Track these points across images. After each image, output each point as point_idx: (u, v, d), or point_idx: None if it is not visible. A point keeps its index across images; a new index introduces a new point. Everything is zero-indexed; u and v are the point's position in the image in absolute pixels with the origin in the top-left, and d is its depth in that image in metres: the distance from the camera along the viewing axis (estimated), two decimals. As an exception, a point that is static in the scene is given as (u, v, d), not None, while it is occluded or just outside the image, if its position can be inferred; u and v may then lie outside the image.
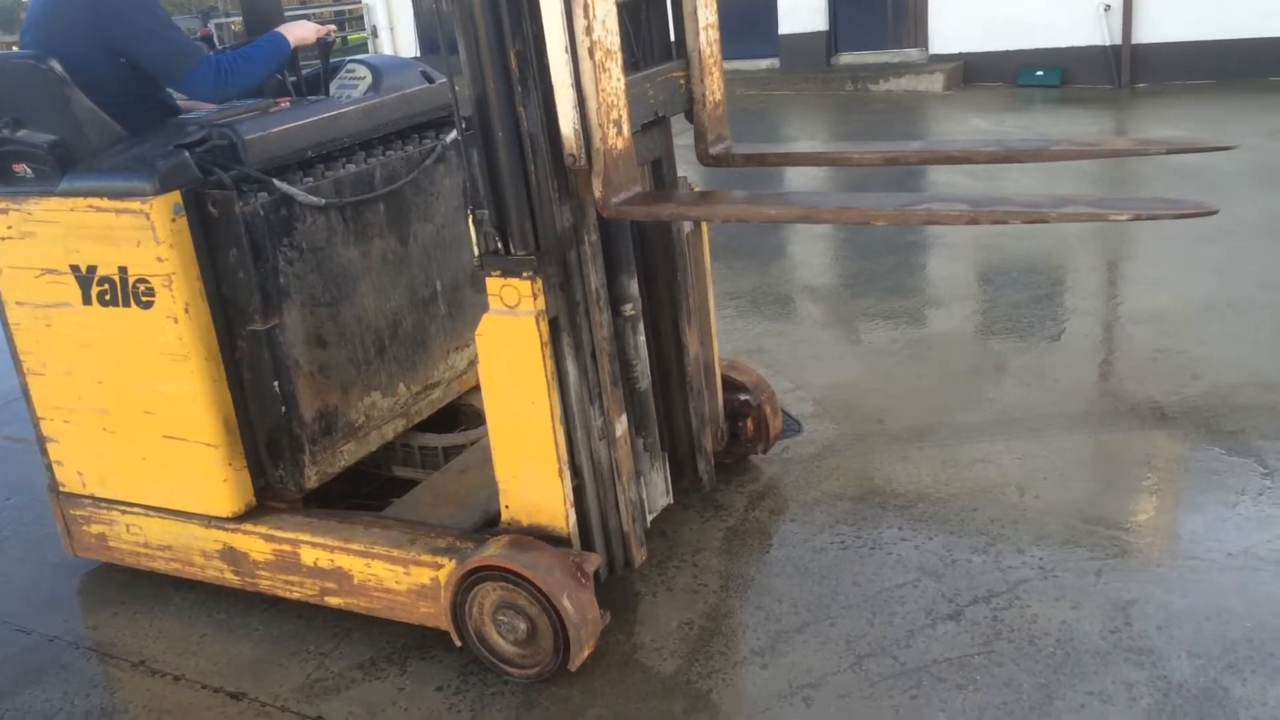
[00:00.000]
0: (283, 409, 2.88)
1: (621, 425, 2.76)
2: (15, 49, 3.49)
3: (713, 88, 2.91)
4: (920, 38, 11.58)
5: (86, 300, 2.87)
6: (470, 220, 2.58)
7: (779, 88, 11.81)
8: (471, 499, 3.06)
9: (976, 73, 11.07)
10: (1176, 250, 5.40)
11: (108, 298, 2.84)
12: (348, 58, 3.46)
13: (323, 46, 3.34)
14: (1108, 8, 10.29)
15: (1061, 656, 2.57)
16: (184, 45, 2.99)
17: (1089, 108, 9.52)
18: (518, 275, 2.52)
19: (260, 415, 2.91)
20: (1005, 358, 4.28)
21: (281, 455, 2.94)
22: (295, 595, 2.94)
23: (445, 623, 2.68)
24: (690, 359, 3.10)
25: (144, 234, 2.71)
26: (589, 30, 2.38)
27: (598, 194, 2.49)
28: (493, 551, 2.59)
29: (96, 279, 2.83)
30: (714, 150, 2.96)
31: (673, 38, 2.89)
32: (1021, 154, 2.78)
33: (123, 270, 2.79)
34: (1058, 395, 3.93)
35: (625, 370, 2.84)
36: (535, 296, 2.53)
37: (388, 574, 2.76)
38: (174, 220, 2.70)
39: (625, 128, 2.53)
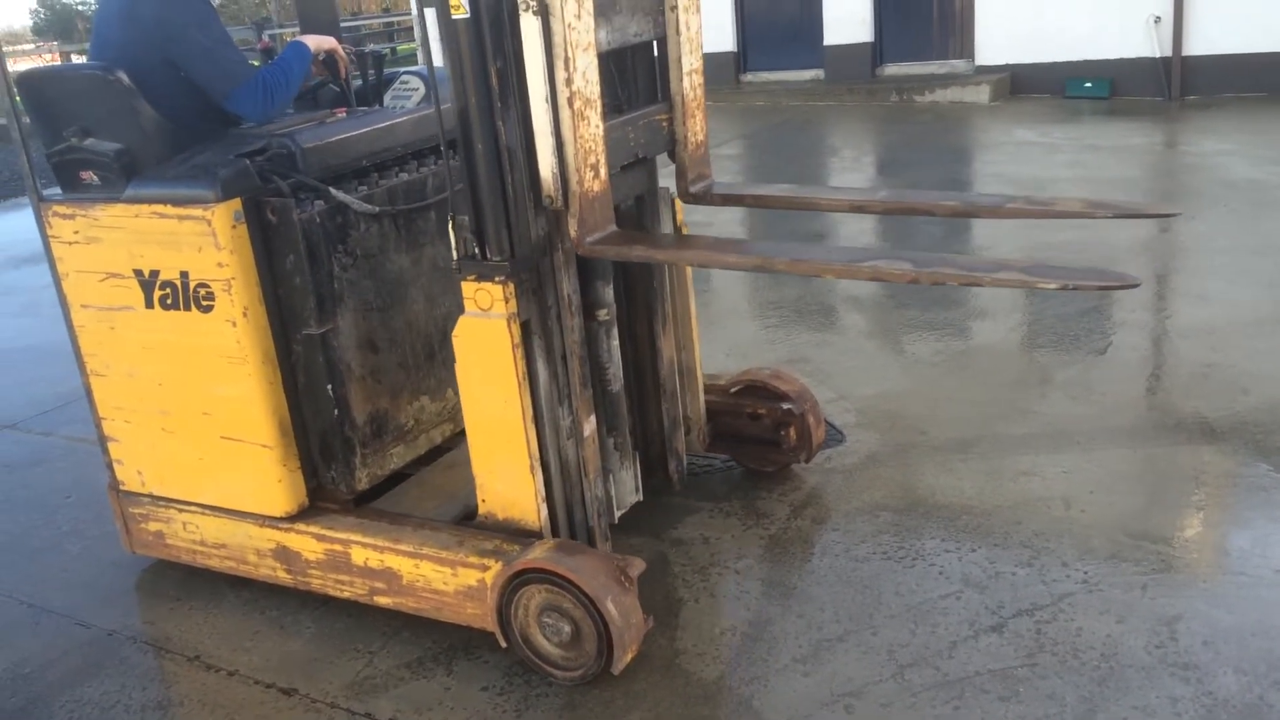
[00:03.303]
0: (335, 412, 2.95)
1: (590, 425, 2.86)
2: (72, 59, 3.59)
3: (695, 129, 3.03)
4: (966, 49, 11.54)
5: (149, 304, 2.95)
6: (450, 226, 2.68)
7: (824, 99, 11.82)
8: (456, 493, 3.13)
9: (1023, 84, 11.01)
10: (1226, 264, 5.35)
11: (169, 301, 2.92)
12: (401, 69, 3.53)
13: (375, 58, 3.43)
14: (1158, 19, 10.19)
15: (1106, 670, 2.56)
16: (234, 65, 3.02)
17: (1138, 120, 9.43)
18: (491, 280, 2.63)
19: (314, 418, 2.98)
20: (1051, 370, 4.26)
21: (334, 457, 3.01)
22: (345, 594, 3.00)
23: (491, 624, 2.73)
24: (664, 363, 3.21)
25: (205, 240, 2.79)
26: (569, 81, 2.50)
27: (573, 234, 2.62)
28: (539, 554, 2.63)
29: (159, 283, 2.92)
30: (694, 189, 3.08)
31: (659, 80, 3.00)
32: (981, 209, 2.94)
33: (184, 275, 2.87)
34: (1104, 409, 3.91)
35: (598, 372, 2.94)
36: (507, 300, 2.63)
37: (436, 575, 2.81)
38: (234, 227, 2.78)
39: (603, 171, 2.65)
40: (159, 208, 2.84)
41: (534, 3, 2.45)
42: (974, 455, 3.65)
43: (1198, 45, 10.11)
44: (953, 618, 2.81)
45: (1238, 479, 3.38)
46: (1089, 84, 10.52)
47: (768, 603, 2.96)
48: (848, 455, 3.73)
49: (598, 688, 2.67)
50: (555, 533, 2.84)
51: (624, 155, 2.84)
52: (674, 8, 2.89)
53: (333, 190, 2.87)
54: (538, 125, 2.52)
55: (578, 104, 2.53)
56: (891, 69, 12.02)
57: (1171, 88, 10.21)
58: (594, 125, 2.59)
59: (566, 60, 2.48)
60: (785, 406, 3.47)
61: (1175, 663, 2.57)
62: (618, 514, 3.12)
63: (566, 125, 2.53)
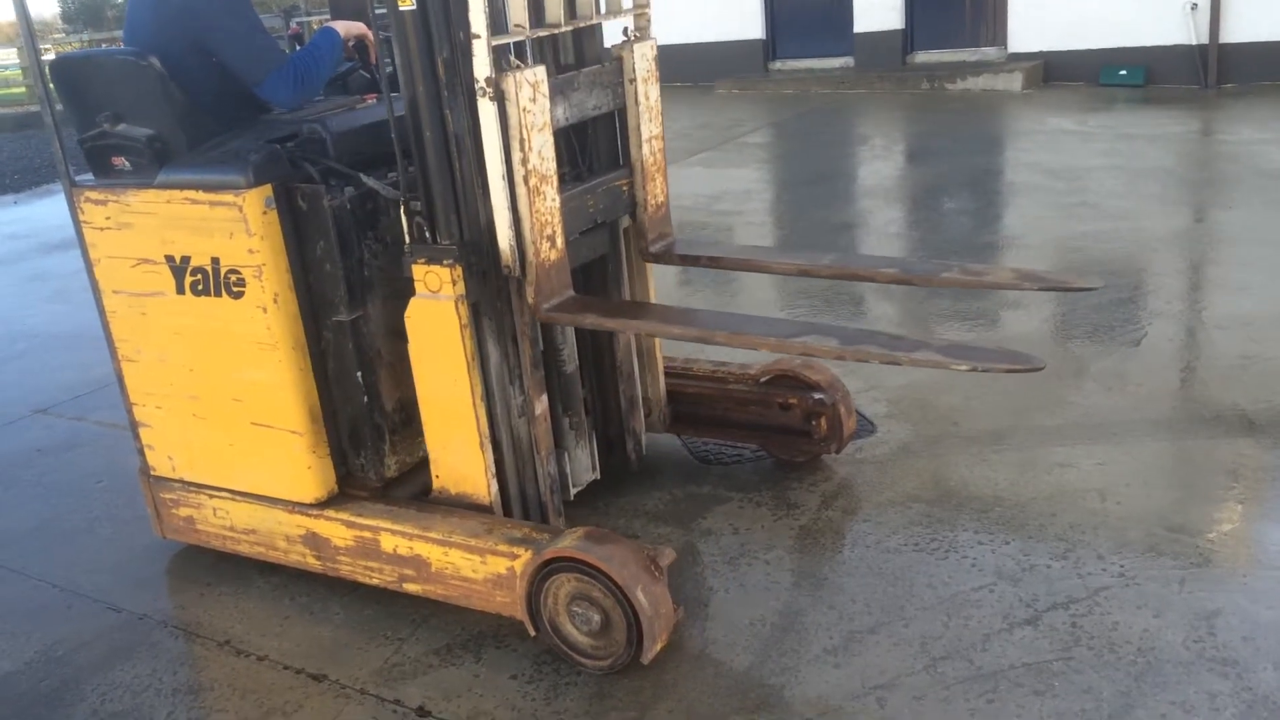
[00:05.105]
0: (365, 399, 2.94)
1: (541, 404, 2.91)
2: (102, 45, 3.60)
3: (655, 192, 3.12)
4: (999, 36, 11.42)
5: (180, 289, 2.96)
6: (402, 211, 2.73)
7: (854, 86, 11.73)
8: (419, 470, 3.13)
9: (1057, 72, 10.88)
10: (1264, 255, 5.26)
11: (200, 287, 2.92)
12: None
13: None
14: (1194, 6, 10.04)
15: (1143, 665, 2.53)
16: (266, 50, 3.01)
17: (1174, 108, 9.30)
18: (439, 263, 2.69)
19: (343, 404, 2.98)
20: (1086, 361, 4.21)
21: (363, 444, 3.01)
22: (374, 581, 3.00)
23: (520, 612, 2.72)
24: (620, 345, 3.29)
25: (236, 226, 2.79)
26: (525, 161, 2.61)
27: (530, 300, 2.72)
28: (568, 543, 2.62)
29: (190, 269, 2.92)
30: (654, 249, 3.18)
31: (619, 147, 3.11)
32: (915, 277, 3.08)
33: (215, 261, 2.87)
34: (1140, 400, 3.85)
35: (553, 354, 3.01)
36: (455, 283, 2.69)
37: (465, 562, 2.81)
38: (265, 213, 2.78)
39: (559, 241, 2.75)
40: (190, 193, 2.84)
41: (490, 88, 2.53)
42: (1007, 446, 3.60)
43: (1235, 32, 9.96)
44: (986, 610, 2.77)
45: (1277, 472, 3.32)
46: (1124, 71, 10.39)
47: (798, 594, 2.94)
48: (879, 446, 3.70)
49: (627, 677, 2.65)
50: (506, 508, 2.93)
51: (583, 221, 2.95)
52: (632, 80, 3.00)
53: (363, 176, 2.86)
54: (495, 201, 2.64)
55: (534, 181, 2.63)
56: (922, 56, 11.91)
57: (1208, 75, 10.06)
58: (550, 199, 2.70)
59: (522, 141, 2.59)
60: (816, 396, 3.44)
61: (1214, 658, 2.53)
62: (574, 491, 3.20)
63: (523, 201, 2.64)
